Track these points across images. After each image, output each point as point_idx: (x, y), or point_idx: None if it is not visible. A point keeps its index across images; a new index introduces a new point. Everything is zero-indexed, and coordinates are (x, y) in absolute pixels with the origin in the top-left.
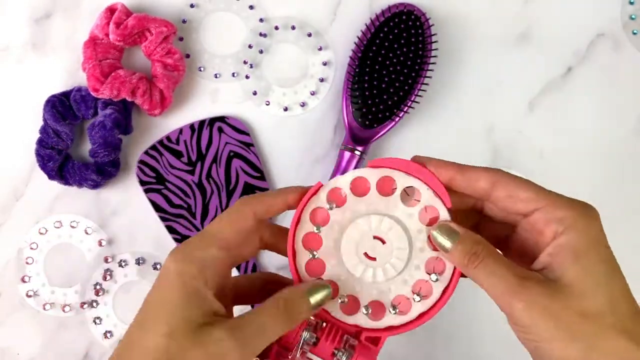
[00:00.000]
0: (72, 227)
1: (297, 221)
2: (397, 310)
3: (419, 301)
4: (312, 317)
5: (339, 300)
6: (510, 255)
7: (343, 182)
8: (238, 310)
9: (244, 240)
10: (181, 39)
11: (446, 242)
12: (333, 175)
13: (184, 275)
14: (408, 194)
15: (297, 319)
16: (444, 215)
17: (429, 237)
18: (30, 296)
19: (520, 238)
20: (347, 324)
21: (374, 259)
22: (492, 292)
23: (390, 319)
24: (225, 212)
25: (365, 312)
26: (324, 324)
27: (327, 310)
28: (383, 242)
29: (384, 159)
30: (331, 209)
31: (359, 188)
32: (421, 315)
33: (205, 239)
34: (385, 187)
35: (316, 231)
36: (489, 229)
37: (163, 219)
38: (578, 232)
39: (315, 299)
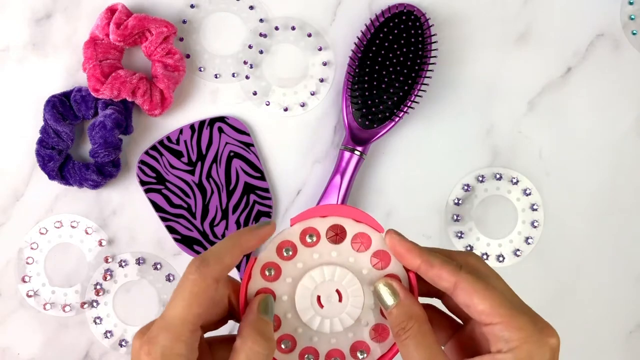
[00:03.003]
0: (73, 227)
1: (244, 312)
2: (362, 356)
3: (378, 344)
4: None
5: None
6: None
7: (270, 254)
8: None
9: (213, 308)
10: (181, 39)
11: (388, 300)
12: (333, 176)
13: None
14: (335, 234)
15: (271, 339)
16: (377, 240)
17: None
18: (30, 296)
19: (471, 326)
20: None
21: (322, 306)
22: None
23: None
24: (187, 286)
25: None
26: None
27: None
28: (339, 295)
29: (301, 213)
30: (270, 281)
31: (290, 250)
32: (382, 358)
33: (172, 329)
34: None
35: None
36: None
37: (163, 219)
38: (516, 357)
39: (270, 311)
